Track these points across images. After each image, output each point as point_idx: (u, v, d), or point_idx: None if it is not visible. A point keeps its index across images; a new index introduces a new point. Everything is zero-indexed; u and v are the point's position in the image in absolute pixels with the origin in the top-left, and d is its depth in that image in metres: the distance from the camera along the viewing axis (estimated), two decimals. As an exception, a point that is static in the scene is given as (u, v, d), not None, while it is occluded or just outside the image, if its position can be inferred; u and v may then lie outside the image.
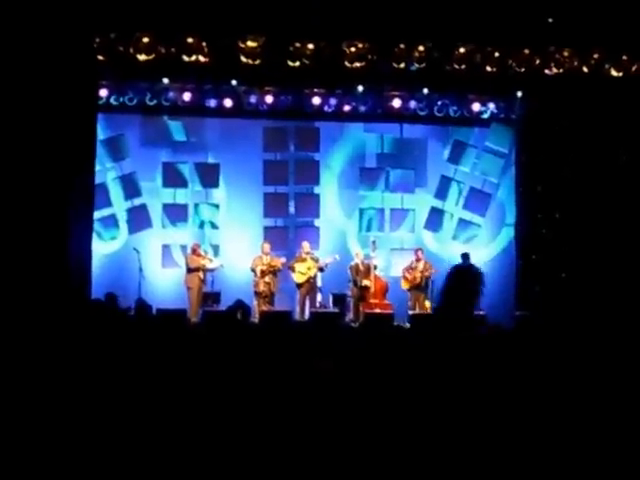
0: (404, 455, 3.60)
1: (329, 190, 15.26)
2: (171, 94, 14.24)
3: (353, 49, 12.81)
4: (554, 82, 13.45)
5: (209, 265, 13.84)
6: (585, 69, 13.35)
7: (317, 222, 15.26)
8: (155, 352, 5.45)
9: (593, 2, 12.39)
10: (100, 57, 12.37)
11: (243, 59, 12.69)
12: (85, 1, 11.65)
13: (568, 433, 3.83)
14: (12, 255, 11.02)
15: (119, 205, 14.77)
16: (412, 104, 14.69)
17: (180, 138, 15.00)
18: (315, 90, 14.46)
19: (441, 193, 15.36)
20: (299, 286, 13.81)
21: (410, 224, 15.40)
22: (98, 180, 13.58)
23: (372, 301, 13.53)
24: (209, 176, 15.02)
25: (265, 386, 4.44)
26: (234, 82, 13.94)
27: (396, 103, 14.57)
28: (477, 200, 15.36)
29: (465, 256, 14.28)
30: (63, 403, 4.27)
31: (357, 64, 12.91)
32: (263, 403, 4.23)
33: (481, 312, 12.81)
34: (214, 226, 15.06)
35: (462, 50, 13.04)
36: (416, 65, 13.12)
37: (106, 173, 14.60)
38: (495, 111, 14.96)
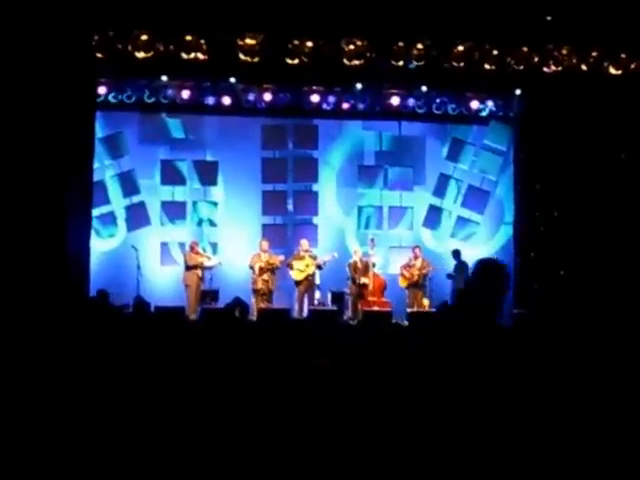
0: (402, 452, 3.60)
1: (328, 188, 15.26)
2: (169, 92, 14.24)
3: (352, 47, 12.80)
4: (553, 80, 13.45)
5: (207, 263, 13.84)
6: (584, 67, 13.34)
7: (315, 220, 15.26)
8: (153, 349, 5.45)
9: (591, 0, 12.39)
10: (99, 55, 12.35)
11: (242, 56, 12.68)
12: (83, -1, 11.66)
13: (567, 430, 3.83)
14: (10, 252, 11.03)
15: (117, 202, 14.77)
16: (411, 102, 14.68)
17: (178, 135, 15.00)
18: (314, 88, 14.45)
19: (439, 191, 15.37)
20: (297, 284, 13.81)
21: (408, 222, 15.41)
22: (96, 177, 13.60)
23: (370, 299, 13.53)
24: (208, 174, 15.02)
25: (263, 383, 4.44)
26: (233, 80, 13.92)
27: (395, 101, 14.57)
28: (475, 198, 15.37)
29: (456, 252, 14.32)
30: (61, 400, 4.27)
31: (356, 62, 12.90)
32: (262, 400, 4.23)
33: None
34: (212, 224, 15.06)
35: (461, 48, 13.03)
36: (415, 63, 13.11)
37: (104, 171, 14.59)
38: (494, 109, 14.96)
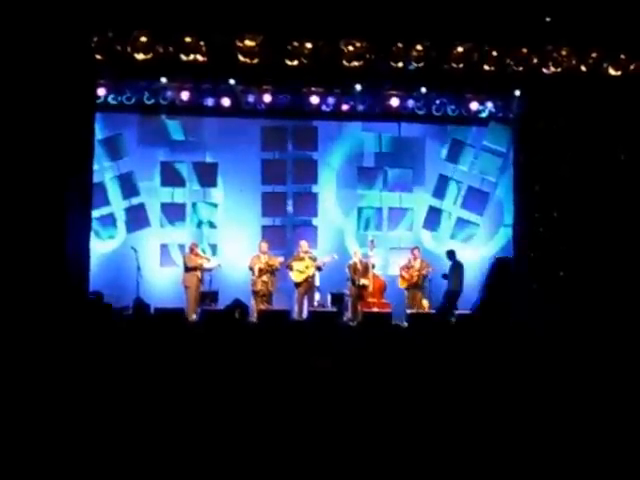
0: (402, 453, 3.60)
1: (327, 189, 15.26)
2: (169, 93, 14.22)
3: (351, 48, 12.79)
4: (552, 81, 13.44)
5: (207, 265, 13.84)
6: (583, 68, 13.33)
7: (315, 221, 15.27)
8: (153, 350, 5.45)
9: (591, 1, 12.38)
10: (98, 56, 12.34)
11: (241, 58, 12.67)
12: (83, 0, 11.64)
13: (567, 431, 3.83)
14: (10, 254, 11.02)
15: (117, 204, 14.77)
16: (410, 103, 14.68)
17: (178, 137, 15.00)
18: (313, 89, 14.45)
19: (439, 192, 15.37)
20: (297, 285, 13.82)
21: (408, 223, 15.42)
22: (96, 179, 13.59)
23: (370, 300, 13.53)
24: (207, 175, 15.02)
25: (263, 385, 4.44)
26: (232, 81, 13.91)
27: (394, 102, 14.56)
28: (475, 199, 15.38)
29: (450, 253, 14.32)
30: (61, 401, 4.27)
31: (355, 63, 12.89)
32: (261, 402, 4.23)
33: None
34: (212, 225, 15.06)
35: (460, 49, 13.02)
36: (414, 64, 13.10)
37: (104, 172, 14.60)
38: (493, 110, 14.97)
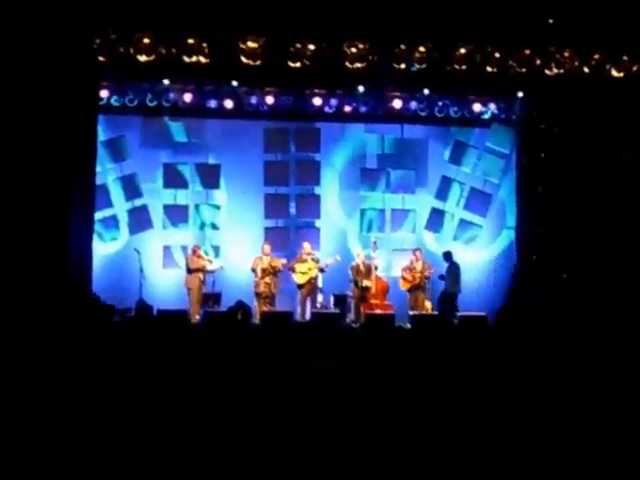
0: (404, 453, 3.60)
1: (330, 191, 15.26)
2: (172, 95, 14.23)
3: (354, 50, 12.80)
4: (555, 82, 13.44)
5: (209, 267, 13.83)
6: (586, 69, 13.33)
7: (318, 223, 15.26)
8: (156, 352, 5.45)
9: (594, 2, 12.38)
10: (101, 58, 12.37)
11: (244, 60, 12.68)
12: (86, 2, 11.66)
13: (567, 432, 3.83)
14: (13, 256, 11.04)
15: (120, 206, 14.77)
16: (413, 105, 14.68)
17: (181, 139, 15.00)
18: (316, 91, 14.45)
19: (442, 194, 15.36)
20: (300, 287, 13.80)
21: (411, 225, 15.40)
22: (99, 181, 13.61)
23: (373, 302, 13.51)
24: (210, 177, 15.02)
25: (266, 386, 4.44)
26: (235, 83, 13.92)
27: (397, 104, 14.56)
28: (478, 201, 15.36)
29: (447, 254, 14.32)
30: (63, 401, 4.27)
31: (358, 65, 12.90)
32: (264, 403, 4.23)
33: (481, 313, 12.88)
34: (215, 227, 15.06)
35: (463, 51, 13.03)
36: (417, 66, 13.11)
37: (107, 174, 14.60)
38: (496, 112, 14.96)
